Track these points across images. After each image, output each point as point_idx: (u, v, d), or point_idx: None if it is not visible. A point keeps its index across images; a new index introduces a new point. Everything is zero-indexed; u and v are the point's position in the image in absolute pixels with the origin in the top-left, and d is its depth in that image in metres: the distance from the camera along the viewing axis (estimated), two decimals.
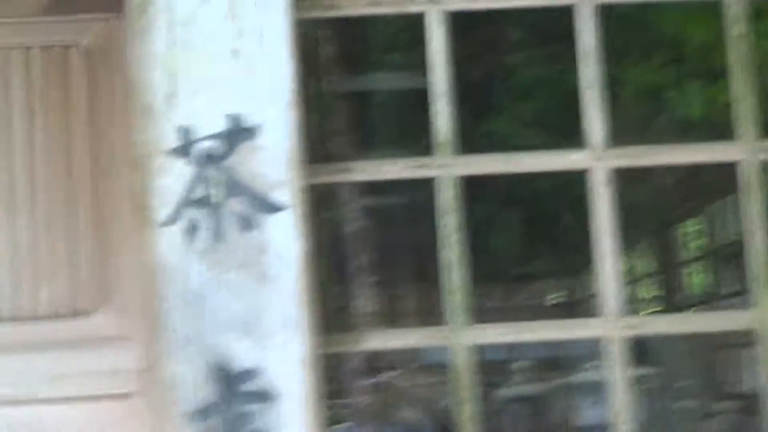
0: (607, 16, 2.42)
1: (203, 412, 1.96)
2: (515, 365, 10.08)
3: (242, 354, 1.98)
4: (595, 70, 2.23)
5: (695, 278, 14.05)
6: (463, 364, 2.12)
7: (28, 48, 2.39)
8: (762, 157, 2.21)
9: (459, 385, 2.12)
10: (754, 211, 2.19)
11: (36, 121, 2.36)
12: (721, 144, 2.34)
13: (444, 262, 2.15)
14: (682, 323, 2.19)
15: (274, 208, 2.03)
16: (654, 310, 14.07)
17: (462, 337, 2.12)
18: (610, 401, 2.13)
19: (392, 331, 2.98)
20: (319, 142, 2.47)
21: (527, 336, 2.21)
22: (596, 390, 7.36)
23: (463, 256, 2.15)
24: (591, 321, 2.18)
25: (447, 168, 2.20)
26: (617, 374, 2.13)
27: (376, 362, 6.23)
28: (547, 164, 2.34)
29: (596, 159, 2.21)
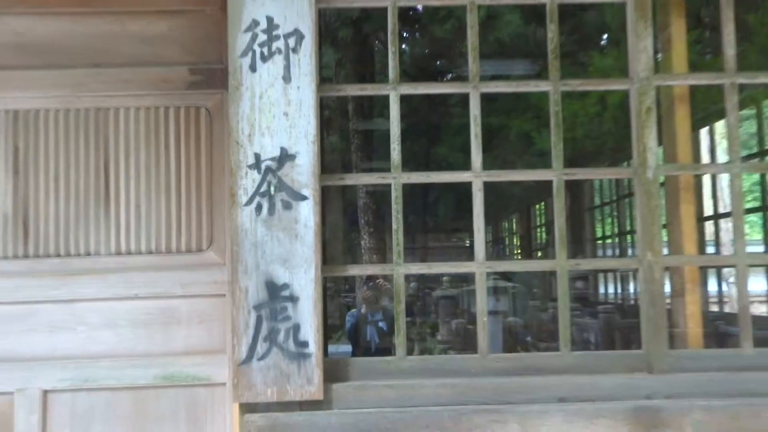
0: (486, 96, 2.68)
1: (259, 306, 2.26)
2: (444, 278, 11.25)
3: (281, 276, 2.26)
4: (477, 124, 2.52)
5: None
6: (399, 284, 2.45)
7: (178, 108, 2.64)
8: (565, 177, 2.51)
9: (398, 294, 2.45)
10: (559, 206, 2.50)
11: (182, 148, 2.63)
12: (542, 170, 2.58)
13: (393, 228, 2.47)
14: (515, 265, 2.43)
15: (303, 197, 2.30)
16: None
17: (398, 270, 2.46)
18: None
19: (363, 265, 3.26)
20: (330, 162, 2.65)
21: (434, 270, 2.55)
22: (490, 291, 7.97)
23: (400, 226, 2.46)
24: (467, 263, 2.48)
25: (396, 179, 2.50)
26: (482, 290, 2.46)
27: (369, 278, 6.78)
28: (450, 178, 2.60)
29: (475, 176, 2.51)
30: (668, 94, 2.91)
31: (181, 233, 2.59)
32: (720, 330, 5.31)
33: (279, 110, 2.37)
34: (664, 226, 2.70)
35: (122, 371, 2.50)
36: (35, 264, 2.55)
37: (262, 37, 2.41)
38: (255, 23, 2.40)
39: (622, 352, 2.47)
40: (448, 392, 2.34)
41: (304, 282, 2.29)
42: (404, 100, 2.60)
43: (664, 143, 2.89)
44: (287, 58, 2.40)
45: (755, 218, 8.16)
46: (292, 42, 2.41)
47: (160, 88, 2.65)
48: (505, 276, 8.72)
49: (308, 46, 2.40)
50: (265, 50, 2.40)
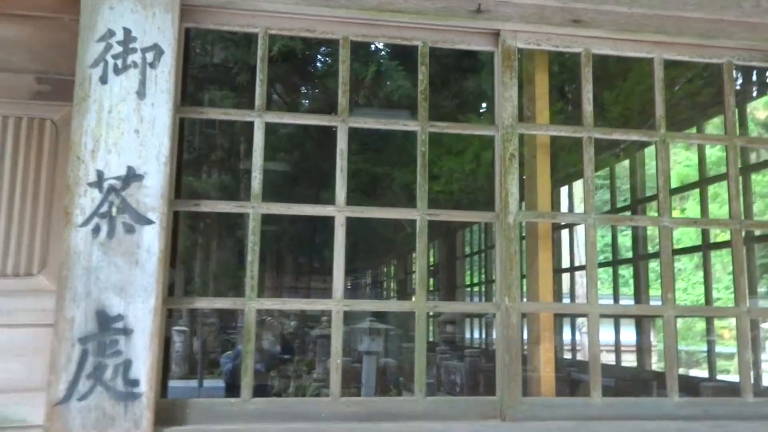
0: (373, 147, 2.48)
1: (86, 338, 1.89)
2: (324, 317, 10.89)
3: (115, 305, 1.91)
4: (344, 158, 2.29)
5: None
6: (250, 320, 2.15)
7: (19, 118, 2.25)
8: (428, 217, 2.32)
9: (248, 331, 2.14)
10: (422, 246, 2.30)
11: (20, 162, 2.23)
12: (407, 209, 2.39)
13: (248, 260, 2.17)
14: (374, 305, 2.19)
15: (148, 221, 1.98)
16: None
17: (251, 304, 2.16)
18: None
19: (212, 298, 2.91)
20: (185, 186, 2.33)
21: (288, 307, 2.26)
22: (366, 332, 7.76)
23: (256, 258, 2.18)
24: (324, 300, 2.22)
25: (254, 209, 2.22)
26: (338, 330, 2.20)
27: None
28: (312, 211, 2.36)
29: (338, 211, 2.28)
30: (531, 146, 2.82)
31: (9, 255, 2.17)
32: (572, 377, 5.30)
33: (129, 127, 2.06)
34: (523, 276, 2.56)
35: None
36: None
37: (117, 49, 2.10)
38: (110, 33, 2.10)
39: (476, 398, 2.26)
40: None
41: (142, 313, 1.94)
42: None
43: (526, 195, 2.79)
44: (143, 73, 2.10)
45: (606, 275, 8.42)
46: (150, 57, 2.11)
47: (2, 95, 2.25)
48: (381, 318, 8.53)
49: (168, 62, 2.11)
50: (120, 62, 2.09)
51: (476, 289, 10.36)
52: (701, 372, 10.60)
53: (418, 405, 2.19)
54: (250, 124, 2.29)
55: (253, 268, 2.15)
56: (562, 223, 6.64)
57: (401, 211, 2.58)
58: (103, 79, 2.07)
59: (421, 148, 2.34)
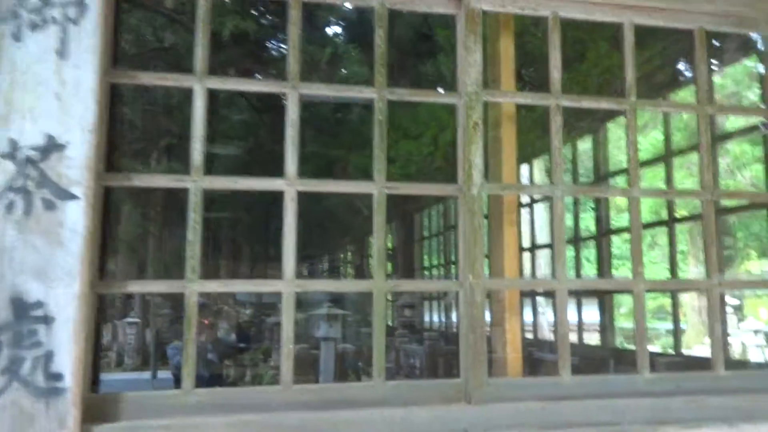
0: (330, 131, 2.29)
1: (0, 329, 1.67)
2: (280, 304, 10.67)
3: (33, 291, 1.66)
4: (295, 128, 2.10)
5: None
6: (191, 304, 1.94)
7: None
8: (386, 191, 2.14)
9: (189, 317, 1.93)
10: (379, 222, 2.12)
11: None
12: (364, 182, 2.21)
13: (188, 239, 1.96)
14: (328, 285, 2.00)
15: (71, 197, 1.74)
16: None
17: (191, 287, 1.95)
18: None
19: (147, 281, 2.66)
20: (115, 158, 2.09)
21: (233, 288, 2.05)
22: (324, 318, 7.59)
23: (197, 237, 1.96)
24: (273, 281, 2.02)
25: (196, 183, 2.00)
26: (289, 313, 2.00)
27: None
28: (260, 185, 2.16)
29: (288, 185, 2.07)
30: (495, 117, 2.67)
31: None
32: (534, 357, 5.22)
33: (48, 90, 1.81)
34: (487, 256, 2.41)
35: None
36: None
37: (35, 3, 1.84)
38: None
39: (440, 381, 2.10)
40: None
41: (65, 299, 1.71)
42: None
43: (490, 169, 2.64)
44: (64, 31, 1.85)
45: (568, 256, 8.39)
46: (72, 12, 1.86)
47: None
48: (339, 304, 8.37)
49: (93, 19, 1.86)
50: (36, 17, 1.84)
51: (435, 272, 10.26)
52: (655, 349, 10.75)
53: (377, 390, 2.02)
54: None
55: (194, 248, 1.93)
56: (523, 202, 6.55)
57: (357, 185, 2.39)
58: (17, 36, 1.82)
59: (378, 117, 2.16)
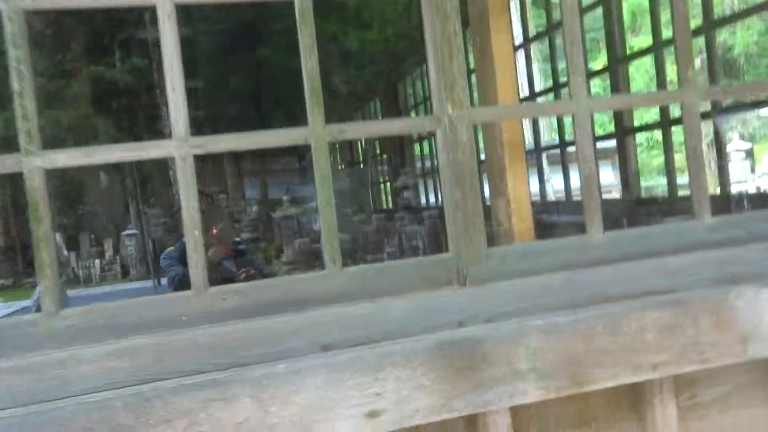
0: None
1: None
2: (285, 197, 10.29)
3: None
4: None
5: None
6: (34, 187, 1.29)
7: None
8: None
9: (34, 205, 1.29)
10: (307, 37, 1.43)
11: None
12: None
13: (14, 89, 1.29)
14: (247, 140, 1.35)
15: None
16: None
17: (32, 162, 1.29)
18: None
19: None
20: None
21: (100, 157, 1.41)
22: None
23: (27, 85, 1.29)
24: (159, 142, 1.36)
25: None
26: (189, 184, 1.36)
27: None
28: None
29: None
30: None
31: None
32: (545, 222, 4.64)
33: None
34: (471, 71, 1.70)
35: None
36: None
37: None
38: None
39: (419, 259, 1.49)
40: (131, 365, 1.25)
41: None
42: None
43: None
44: None
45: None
46: None
47: None
48: (338, 195, 7.83)
49: None
50: None
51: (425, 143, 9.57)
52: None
53: (335, 281, 1.41)
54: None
55: (25, 101, 1.26)
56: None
57: None
58: None
59: None
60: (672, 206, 3.94)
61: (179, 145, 1.35)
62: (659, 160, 15.56)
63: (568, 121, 6.12)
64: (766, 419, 1.55)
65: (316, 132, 1.40)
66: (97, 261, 16.85)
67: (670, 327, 1.39)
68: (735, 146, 12.12)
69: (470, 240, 1.44)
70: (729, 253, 1.52)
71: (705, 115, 4.12)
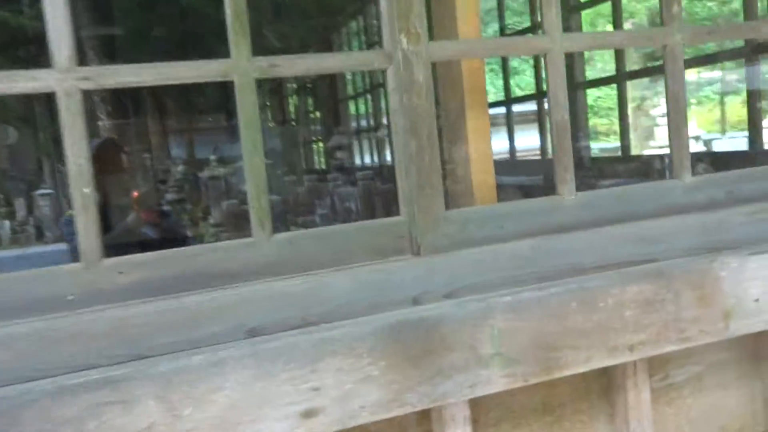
0: None
1: None
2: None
3: None
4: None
5: None
6: None
7: None
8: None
9: None
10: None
11: None
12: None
13: None
14: (150, 72, 1.05)
15: None
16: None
17: None
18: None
19: None
20: None
21: None
22: None
23: None
24: (40, 72, 1.06)
25: None
26: (74, 125, 1.07)
27: None
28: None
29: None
30: None
31: None
32: (503, 182, 4.42)
33: None
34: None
35: None
36: None
37: None
38: None
39: (363, 223, 1.25)
40: None
41: None
42: None
43: None
44: None
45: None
46: None
47: None
48: (269, 155, 7.48)
49: None
50: None
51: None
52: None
53: (261, 250, 1.16)
54: None
55: None
56: None
57: None
58: None
59: None
60: (617, 167, 3.85)
61: (62, 78, 1.05)
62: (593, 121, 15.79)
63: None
64: (741, 400, 1.43)
65: (241, 65, 1.13)
66: (7, 222, 15.78)
67: (651, 302, 1.21)
68: (663, 110, 12.39)
69: (426, 201, 1.21)
70: (711, 217, 1.36)
71: (632, 75, 4.03)
